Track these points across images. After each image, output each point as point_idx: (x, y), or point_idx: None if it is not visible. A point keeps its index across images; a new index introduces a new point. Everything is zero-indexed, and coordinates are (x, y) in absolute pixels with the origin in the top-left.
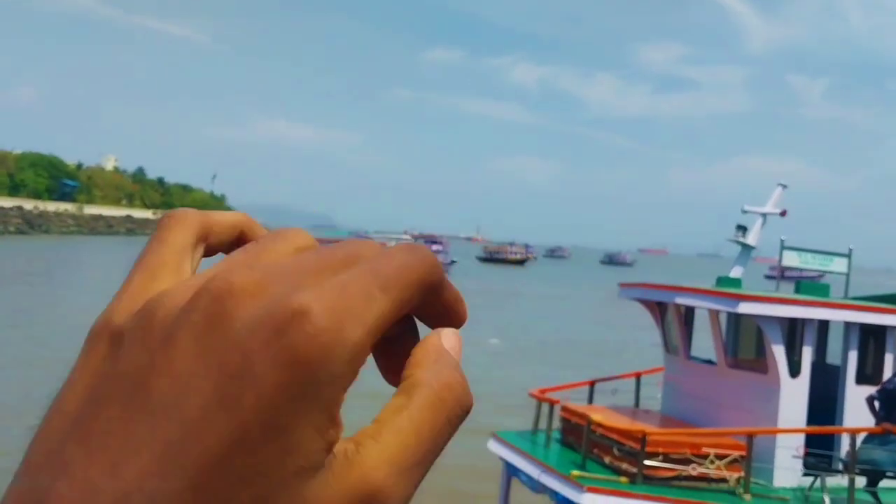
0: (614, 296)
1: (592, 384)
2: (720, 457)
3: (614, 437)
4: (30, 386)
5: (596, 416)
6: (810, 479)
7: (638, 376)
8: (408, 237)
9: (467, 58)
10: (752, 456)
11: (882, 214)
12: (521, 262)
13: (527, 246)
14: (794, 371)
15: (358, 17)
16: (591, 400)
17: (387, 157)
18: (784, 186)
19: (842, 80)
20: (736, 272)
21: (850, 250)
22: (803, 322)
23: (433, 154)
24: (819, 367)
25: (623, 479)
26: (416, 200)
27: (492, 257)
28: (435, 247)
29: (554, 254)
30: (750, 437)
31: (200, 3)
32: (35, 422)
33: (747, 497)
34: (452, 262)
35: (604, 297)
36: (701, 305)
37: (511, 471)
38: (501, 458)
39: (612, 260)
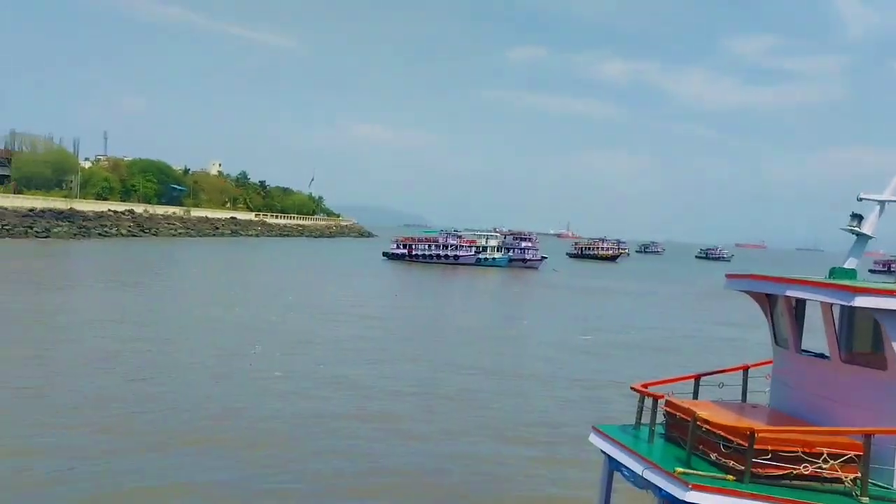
0: (711, 292)
1: (697, 378)
2: (834, 456)
3: (721, 433)
4: (119, 375)
5: (702, 413)
6: None
7: (745, 369)
8: (497, 234)
9: (553, 54)
10: (869, 456)
11: None
12: (612, 258)
13: (618, 241)
14: None
15: (444, 19)
16: (696, 395)
17: (476, 157)
18: None
19: None
20: (850, 263)
21: None
22: None
23: (521, 151)
24: None
25: (730, 476)
26: (505, 198)
27: (582, 253)
28: (525, 243)
29: (647, 250)
30: (867, 436)
31: (296, 13)
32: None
33: (864, 499)
34: (543, 258)
35: (699, 292)
36: (814, 298)
37: (613, 465)
38: (603, 452)
39: (707, 255)
